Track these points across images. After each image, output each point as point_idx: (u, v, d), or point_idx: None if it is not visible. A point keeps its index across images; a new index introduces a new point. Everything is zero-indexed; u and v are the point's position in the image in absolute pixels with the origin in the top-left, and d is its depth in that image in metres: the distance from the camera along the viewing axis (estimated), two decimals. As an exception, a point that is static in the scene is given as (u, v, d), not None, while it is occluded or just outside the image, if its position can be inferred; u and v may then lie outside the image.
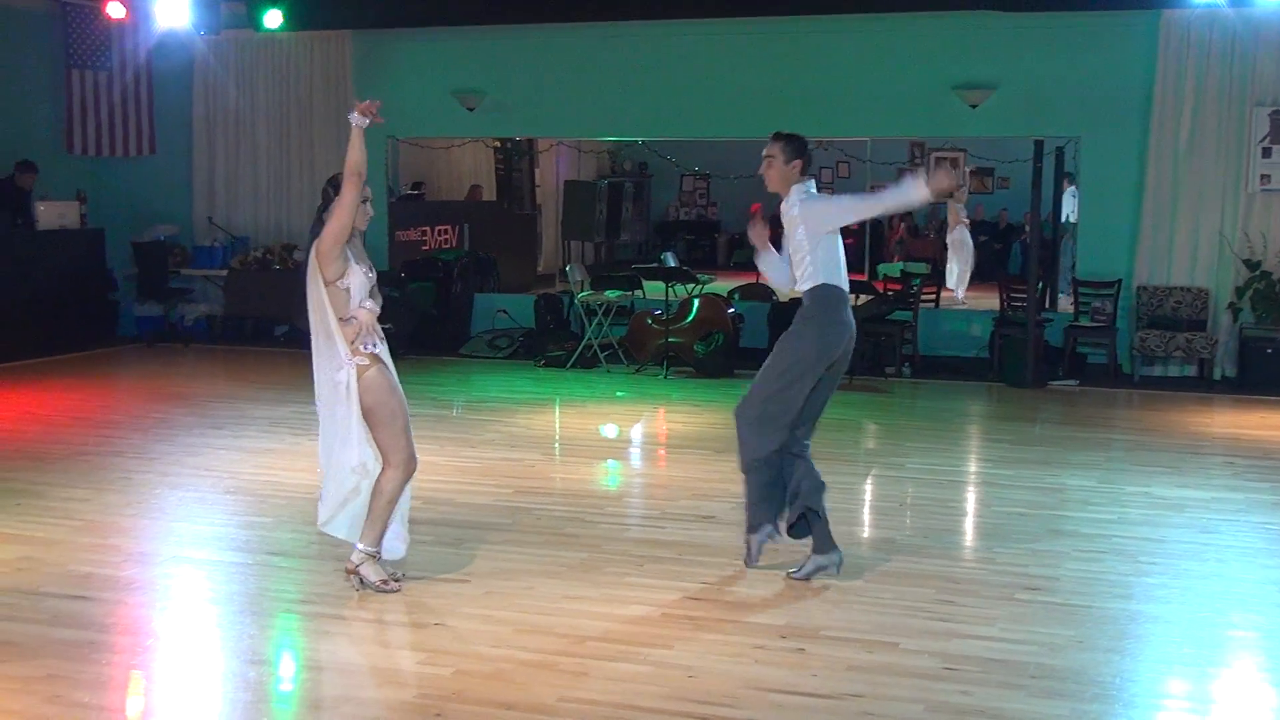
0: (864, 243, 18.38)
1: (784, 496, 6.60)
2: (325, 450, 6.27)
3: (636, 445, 10.65)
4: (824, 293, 6.44)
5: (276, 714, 5.04)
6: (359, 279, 6.11)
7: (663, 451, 10.20)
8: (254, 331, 16.03)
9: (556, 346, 14.16)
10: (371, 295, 6.18)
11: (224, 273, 15.86)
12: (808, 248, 6.43)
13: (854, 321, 6.53)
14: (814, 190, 6.55)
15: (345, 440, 6.13)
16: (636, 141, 18.49)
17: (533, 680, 5.19)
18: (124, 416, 11.05)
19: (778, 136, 6.56)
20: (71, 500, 8.05)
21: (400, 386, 6.24)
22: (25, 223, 14.44)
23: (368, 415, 6.12)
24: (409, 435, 6.24)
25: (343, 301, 6.07)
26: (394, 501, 6.27)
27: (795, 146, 6.50)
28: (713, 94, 14.46)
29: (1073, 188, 14.65)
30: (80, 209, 15.14)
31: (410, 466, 6.26)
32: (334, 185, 6.10)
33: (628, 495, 8.92)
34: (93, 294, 15.23)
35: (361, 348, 6.07)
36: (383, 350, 6.18)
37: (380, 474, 6.23)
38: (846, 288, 6.54)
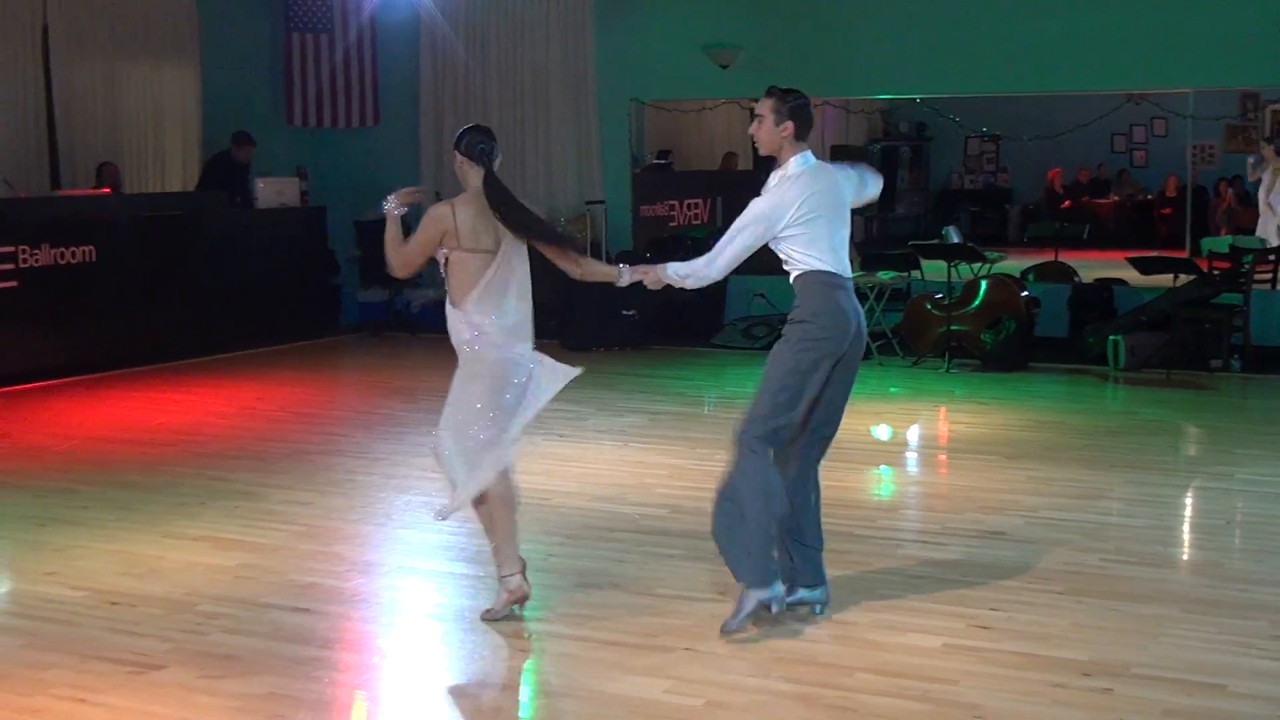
0: (1184, 213, 17.74)
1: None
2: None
3: (913, 449, 10.56)
4: (810, 280, 6.34)
5: (510, 744, 5.20)
6: None
7: (943, 456, 10.08)
8: (485, 319, 16.38)
9: (821, 335, 14.10)
10: None
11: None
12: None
13: (858, 308, 6.28)
14: (811, 161, 6.37)
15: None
16: (914, 99, 18.27)
17: (793, 715, 5.21)
18: (347, 412, 11.50)
19: (770, 92, 6.34)
20: (292, 504, 8.42)
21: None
22: (244, 200, 15.08)
23: None
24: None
25: None
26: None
27: (786, 105, 6.28)
28: (1002, 43, 14.17)
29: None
30: (300, 186, 15.67)
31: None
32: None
33: (903, 507, 8.85)
34: (314, 279, 15.72)
35: None
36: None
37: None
38: (840, 270, 6.32)
